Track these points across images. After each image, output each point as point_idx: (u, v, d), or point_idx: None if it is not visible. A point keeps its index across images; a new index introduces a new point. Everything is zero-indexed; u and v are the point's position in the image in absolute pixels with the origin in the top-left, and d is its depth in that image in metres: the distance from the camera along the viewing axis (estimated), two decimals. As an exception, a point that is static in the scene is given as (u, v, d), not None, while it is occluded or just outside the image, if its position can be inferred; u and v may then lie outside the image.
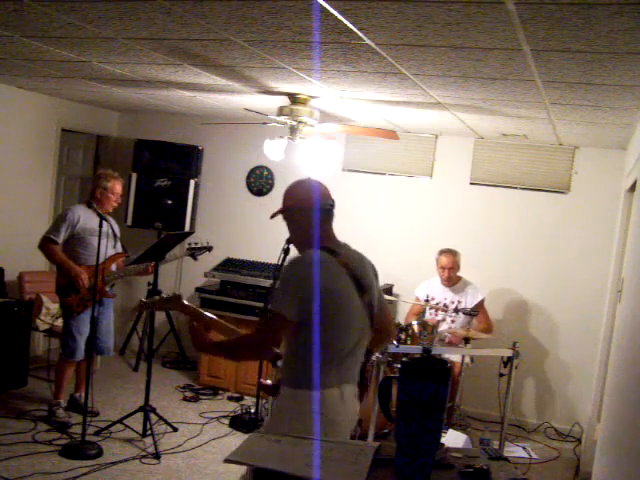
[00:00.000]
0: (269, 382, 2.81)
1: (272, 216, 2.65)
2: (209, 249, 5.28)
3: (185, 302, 2.83)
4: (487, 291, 5.70)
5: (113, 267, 4.86)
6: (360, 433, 4.57)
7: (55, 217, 5.36)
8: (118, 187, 4.87)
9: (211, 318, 2.75)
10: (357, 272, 2.52)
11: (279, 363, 2.63)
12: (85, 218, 4.73)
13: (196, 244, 5.21)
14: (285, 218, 2.63)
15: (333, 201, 2.60)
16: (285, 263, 2.58)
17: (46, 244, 4.66)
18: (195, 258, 5.22)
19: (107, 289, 4.80)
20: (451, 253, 5.52)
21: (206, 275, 6.16)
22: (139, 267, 4.87)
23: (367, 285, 2.55)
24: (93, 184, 4.94)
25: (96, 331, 4.65)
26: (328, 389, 2.41)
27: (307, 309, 2.38)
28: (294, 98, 4.53)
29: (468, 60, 2.99)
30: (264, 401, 5.08)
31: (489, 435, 4.84)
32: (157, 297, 2.96)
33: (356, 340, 2.50)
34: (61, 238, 4.66)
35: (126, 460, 4.26)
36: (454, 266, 5.51)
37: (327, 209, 2.55)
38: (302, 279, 2.39)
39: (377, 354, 4.09)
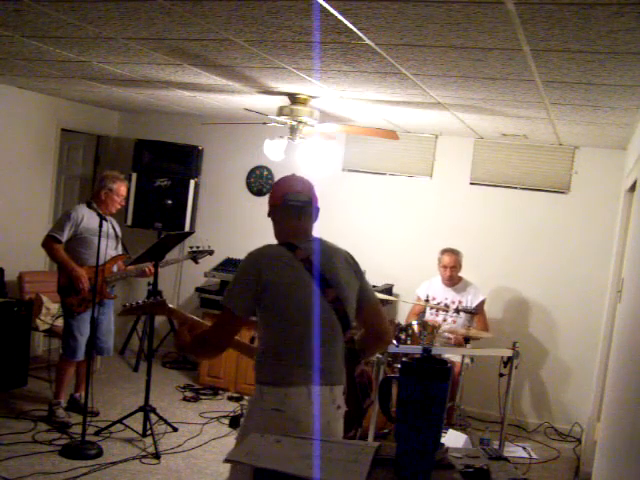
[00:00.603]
0: None
1: (268, 215, 2.67)
2: (210, 253, 5.31)
3: (170, 306, 2.82)
4: (487, 292, 5.71)
5: (114, 268, 4.86)
6: (360, 433, 4.57)
7: (59, 216, 5.37)
8: (123, 189, 4.88)
9: (196, 320, 2.74)
10: (321, 267, 2.45)
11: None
12: (88, 218, 4.73)
13: (198, 247, 5.23)
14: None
15: (306, 198, 2.55)
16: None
17: (49, 242, 4.66)
18: (196, 261, 5.24)
19: (108, 290, 4.80)
20: (454, 252, 5.53)
21: (206, 275, 6.17)
22: (140, 267, 4.87)
23: (334, 280, 2.48)
24: (98, 185, 4.95)
25: (96, 331, 4.65)
26: (292, 387, 2.36)
27: (258, 305, 2.39)
28: (294, 98, 4.53)
29: (468, 60, 2.99)
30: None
31: (489, 435, 4.84)
32: (140, 301, 2.94)
33: (323, 338, 2.42)
34: (64, 237, 4.67)
35: (126, 460, 4.26)
36: (456, 265, 5.52)
37: (292, 205, 2.52)
38: (247, 274, 2.40)
39: (378, 354, 4.08)
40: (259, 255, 2.46)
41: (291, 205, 2.52)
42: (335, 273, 2.51)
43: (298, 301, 2.40)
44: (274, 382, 2.38)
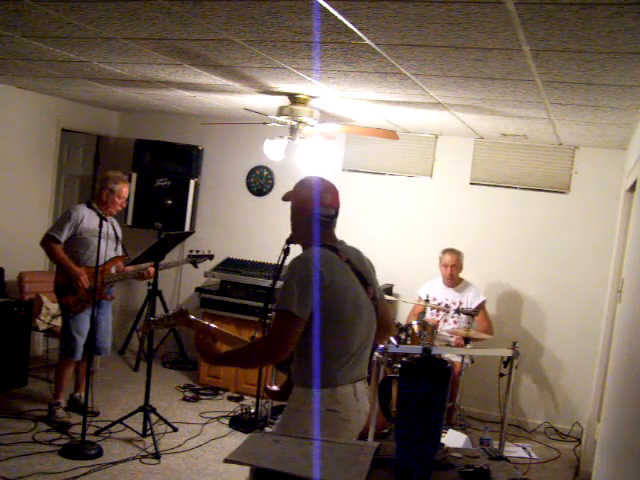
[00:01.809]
0: (275, 387, 2.79)
1: (283, 199, 2.67)
2: (210, 257, 5.33)
3: (191, 316, 2.78)
4: (487, 292, 5.71)
5: (113, 270, 4.85)
6: (360, 433, 4.57)
7: (59, 215, 5.37)
8: (125, 190, 4.87)
9: (217, 329, 2.73)
10: (358, 267, 2.56)
11: (285, 366, 2.61)
12: (88, 219, 4.73)
13: (197, 252, 5.23)
14: (290, 207, 2.66)
15: (334, 211, 2.58)
16: (288, 262, 2.57)
17: (48, 242, 4.66)
18: (196, 266, 5.25)
19: (105, 291, 4.79)
20: (454, 252, 5.55)
21: (206, 275, 6.17)
22: (139, 270, 4.86)
23: (369, 278, 2.59)
24: (100, 185, 4.95)
25: (94, 331, 4.65)
26: (342, 387, 2.43)
27: (316, 306, 2.39)
28: (294, 98, 4.53)
29: (468, 60, 2.99)
30: (264, 401, 5.08)
31: (489, 435, 4.84)
32: (164, 314, 2.93)
33: (366, 335, 2.54)
34: (64, 237, 4.66)
35: (126, 460, 4.25)
36: (457, 264, 5.53)
37: (324, 220, 2.54)
38: (308, 276, 2.39)
39: (377, 354, 4.09)
40: (317, 259, 2.45)
41: (323, 220, 2.55)
42: (368, 272, 2.62)
43: (352, 301, 2.47)
44: (325, 383, 2.41)
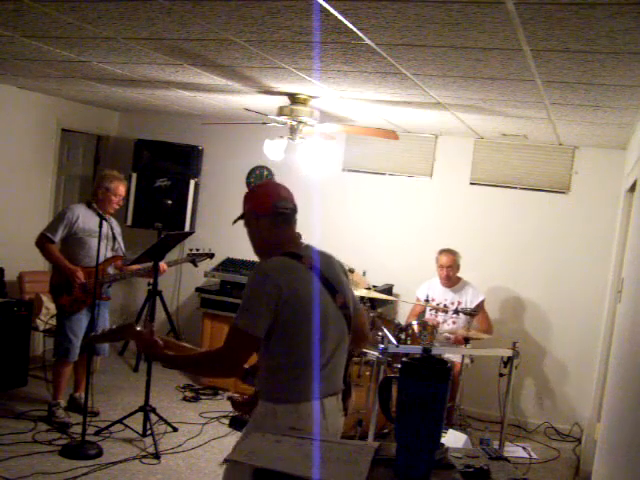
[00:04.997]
0: (239, 398, 2.73)
1: (233, 222, 2.57)
2: (210, 256, 5.32)
3: (138, 328, 2.52)
4: (487, 292, 5.71)
5: (109, 270, 4.84)
6: (360, 433, 4.57)
7: (55, 215, 5.36)
8: (121, 189, 4.84)
9: (169, 340, 2.58)
10: (325, 273, 2.40)
11: (250, 379, 2.51)
12: (84, 218, 4.72)
13: (197, 250, 5.22)
14: (245, 225, 2.53)
15: (293, 205, 2.47)
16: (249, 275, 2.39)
17: (42, 241, 4.66)
18: (196, 265, 5.24)
19: (102, 292, 4.78)
20: (451, 252, 5.54)
21: (206, 275, 6.17)
22: (142, 269, 4.86)
23: (338, 285, 2.43)
24: (96, 184, 4.95)
25: (90, 332, 4.64)
26: (306, 403, 2.29)
27: (275, 320, 2.25)
28: (294, 98, 4.53)
29: (468, 60, 2.99)
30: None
31: (489, 435, 4.83)
32: (107, 328, 2.68)
33: (334, 346, 2.37)
34: (58, 237, 4.66)
35: (126, 460, 4.25)
36: (453, 265, 5.52)
37: (282, 213, 2.42)
38: (265, 291, 2.24)
39: (377, 354, 4.09)
40: (274, 270, 2.30)
41: (281, 213, 2.43)
42: (337, 278, 2.45)
43: (315, 312, 2.30)
44: (289, 399, 2.30)
